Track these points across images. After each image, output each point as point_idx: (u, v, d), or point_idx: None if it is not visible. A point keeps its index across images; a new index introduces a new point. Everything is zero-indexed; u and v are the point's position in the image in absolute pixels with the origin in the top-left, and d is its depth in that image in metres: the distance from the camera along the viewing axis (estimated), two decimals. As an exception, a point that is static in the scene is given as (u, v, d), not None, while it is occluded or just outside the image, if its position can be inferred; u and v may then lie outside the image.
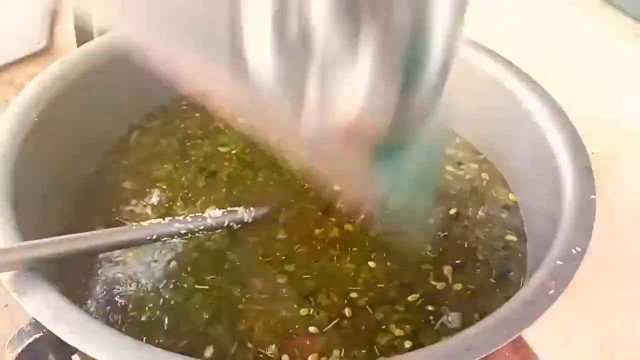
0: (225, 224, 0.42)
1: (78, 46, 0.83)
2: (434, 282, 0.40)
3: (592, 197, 0.37)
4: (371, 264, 0.41)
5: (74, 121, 0.47)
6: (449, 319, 0.38)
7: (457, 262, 0.42)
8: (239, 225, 0.43)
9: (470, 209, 0.46)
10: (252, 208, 0.43)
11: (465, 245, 0.43)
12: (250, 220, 0.43)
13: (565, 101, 0.44)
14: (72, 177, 0.47)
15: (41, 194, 0.42)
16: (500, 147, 0.50)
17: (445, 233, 0.44)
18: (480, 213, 0.46)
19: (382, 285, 0.39)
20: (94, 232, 0.36)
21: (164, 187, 0.47)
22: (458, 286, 0.40)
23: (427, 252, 0.42)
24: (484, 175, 0.50)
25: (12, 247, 0.32)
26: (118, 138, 0.52)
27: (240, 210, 0.43)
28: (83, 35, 0.83)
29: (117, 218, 0.44)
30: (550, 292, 0.31)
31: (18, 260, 0.31)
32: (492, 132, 0.50)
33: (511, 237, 0.44)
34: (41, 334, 0.30)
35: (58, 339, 0.29)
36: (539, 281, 0.32)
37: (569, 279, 0.32)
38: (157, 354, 0.29)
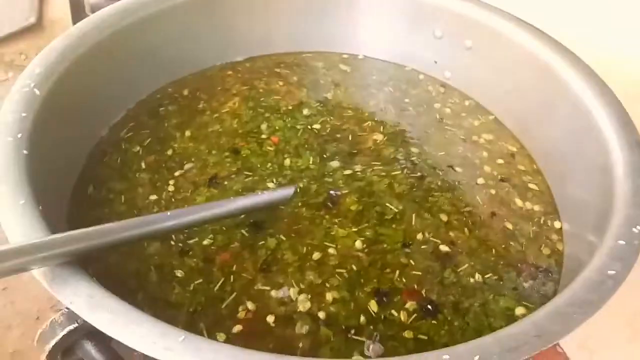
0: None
1: (74, 21, 0.79)
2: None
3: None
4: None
5: (83, 94, 0.44)
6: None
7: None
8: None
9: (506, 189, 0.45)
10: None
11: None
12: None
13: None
14: (81, 149, 0.45)
15: (53, 169, 0.39)
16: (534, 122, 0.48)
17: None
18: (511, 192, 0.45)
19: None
20: (129, 220, 0.34)
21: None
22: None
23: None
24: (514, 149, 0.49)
25: (46, 240, 0.29)
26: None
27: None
28: (76, 9, 0.79)
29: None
30: (615, 273, 0.30)
31: (54, 255, 0.28)
32: (528, 108, 0.48)
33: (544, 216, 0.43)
34: (75, 324, 0.27)
35: (94, 327, 0.27)
36: (601, 263, 0.31)
37: (634, 258, 0.30)
38: (202, 343, 0.27)
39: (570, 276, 0.33)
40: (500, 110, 0.52)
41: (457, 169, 0.46)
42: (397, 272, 0.38)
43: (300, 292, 0.37)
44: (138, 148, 0.47)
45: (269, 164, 0.45)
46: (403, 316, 0.36)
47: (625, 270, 0.30)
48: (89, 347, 0.28)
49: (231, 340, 0.34)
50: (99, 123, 0.48)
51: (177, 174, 0.45)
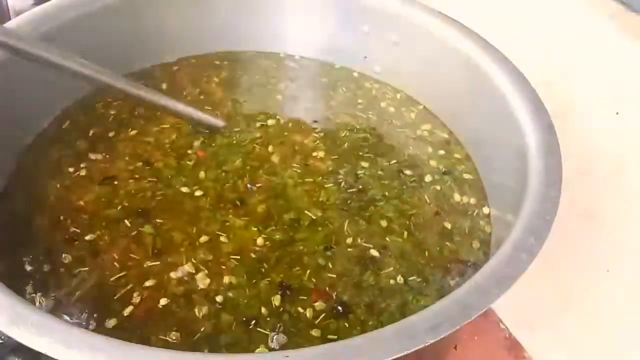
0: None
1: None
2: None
3: (557, 152, 0.38)
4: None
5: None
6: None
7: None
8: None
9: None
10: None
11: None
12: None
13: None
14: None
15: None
16: (460, 110, 0.50)
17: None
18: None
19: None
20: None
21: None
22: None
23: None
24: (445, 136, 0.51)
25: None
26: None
27: None
28: (1, 15, 0.76)
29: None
30: (529, 246, 0.32)
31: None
32: (451, 96, 0.50)
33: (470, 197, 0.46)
34: (0, 341, 0.27)
35: (20, 343, 0.26)
36: (517, 238, 0.32)
37: (547, 232, 0.32)
38: (130, 348, 0.27)
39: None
40: (429, 101, 0.54)
41: (407, 171, 0.47)
42: (309, 271, 0.38)
43: (196, 269, 0.37)
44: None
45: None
46: (309, 313, 0.36)
47: (538, 243, 0.32)
48: (16, 364, 0.28)
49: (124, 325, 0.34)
50: (25, 129, 0.47)
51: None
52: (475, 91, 0.48)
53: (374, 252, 0.40)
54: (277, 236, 0.40)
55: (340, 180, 0.46)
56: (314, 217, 0.42)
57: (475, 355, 0.61)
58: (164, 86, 0.54)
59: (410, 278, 0.39)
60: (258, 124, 0.50)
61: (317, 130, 0.50)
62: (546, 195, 0.35)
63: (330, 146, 0.49)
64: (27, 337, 0.26)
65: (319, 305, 0.36)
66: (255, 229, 0.41)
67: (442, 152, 0.50)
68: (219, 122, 0.49)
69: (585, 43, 0.47)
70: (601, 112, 0.47)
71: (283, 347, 0.34)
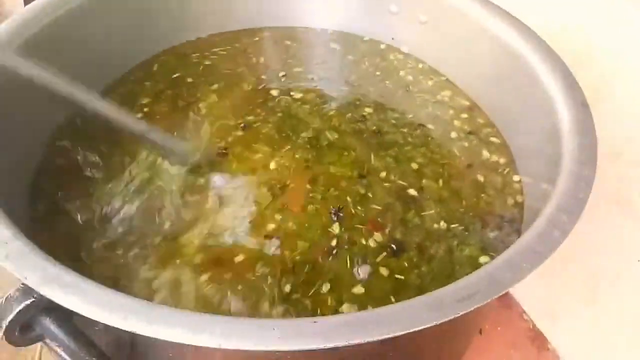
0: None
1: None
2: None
3: (592, 131, 0.37)
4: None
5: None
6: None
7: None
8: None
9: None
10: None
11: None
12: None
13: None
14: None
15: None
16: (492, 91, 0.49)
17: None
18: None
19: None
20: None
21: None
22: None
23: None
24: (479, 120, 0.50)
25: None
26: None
27: None
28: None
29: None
30: (562, 223, 0.31)
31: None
32: (482, 75, 0.49)
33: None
34: (32, 299, 0.27)
35: (52, 302, 0.26)
36: (550, 215, 0.32)
37: (579, 211, 0.32)
38: (162, 310, 0.27)
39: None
40: (452, 73, 0.53)
41: (429, 125, 0.47)
42: (352, 198, 0.38)
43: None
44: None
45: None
46: (373, 244, 0.36)
47: (571, 221, 0.31)
48: (48, 323, 0.28)
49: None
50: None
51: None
52: (506, 69, 0.47)
53: (413, 192, 0.40)
54: (298, 155, 0.40)
55: (348, 115, 0.46)
56: (331, 139, 0.41)
57: (499, 346, 0.60)
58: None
59: (453, 225, 0.39)
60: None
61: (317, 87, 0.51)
62: (580, 173, 0.34)
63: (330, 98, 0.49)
64: (60, 296, 0.26)
65: (377, 237, 0.36)
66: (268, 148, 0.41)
67: (465, 115, 0.49)
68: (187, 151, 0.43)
69: (623, 24, 0.46)
70: (635, 95, 0.46)
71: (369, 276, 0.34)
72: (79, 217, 0.38)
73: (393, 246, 0.36)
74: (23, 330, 0.28)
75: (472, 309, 0.27)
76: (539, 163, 0.40)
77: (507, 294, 0.60)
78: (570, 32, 0.49)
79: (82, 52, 0.47)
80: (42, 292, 0.26)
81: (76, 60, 0.44)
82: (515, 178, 0.44)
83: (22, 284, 0.27)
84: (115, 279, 0.35)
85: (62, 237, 0.38)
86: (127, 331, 0.25)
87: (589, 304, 0.55)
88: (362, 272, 0.34)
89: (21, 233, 0.30)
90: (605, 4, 0.46)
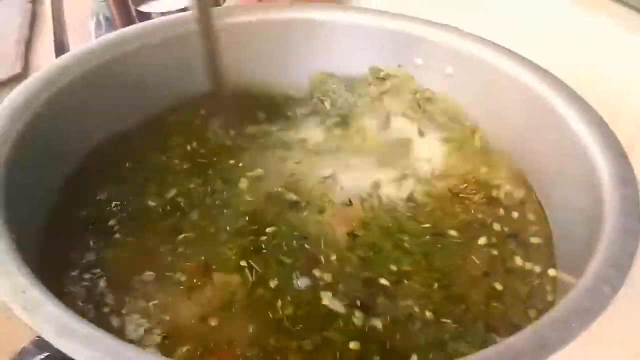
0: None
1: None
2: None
3: (634, 181, 0.35)
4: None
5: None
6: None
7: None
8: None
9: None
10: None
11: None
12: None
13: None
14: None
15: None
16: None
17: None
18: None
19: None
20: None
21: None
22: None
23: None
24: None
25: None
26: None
27: None
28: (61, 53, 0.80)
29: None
30: (611, 278, 0.29)
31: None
32: (510, 125, 0.48)
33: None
34: (47, 353, 0.25)
35: (66, 357, 0.25)
36: (597, 270, 0.30)
37: (629, 264, 0.30)
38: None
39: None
40: (487, 131, 0.52)
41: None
42: None
43: None
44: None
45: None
46: None
47: (621, 276, 0.29)
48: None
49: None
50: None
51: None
52: (537, 121, 0.46)
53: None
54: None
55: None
56: None
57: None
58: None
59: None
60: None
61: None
62: (625, 226, 0.32)
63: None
64: (75, 350, 0.25)
65: None
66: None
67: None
68: None
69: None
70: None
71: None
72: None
73: None
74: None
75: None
76: (577, 229, 0.37)
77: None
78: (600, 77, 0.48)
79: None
80: (58, 347, 0.25)
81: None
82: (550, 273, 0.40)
83: (37, 336, 0.26)
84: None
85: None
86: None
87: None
88: None
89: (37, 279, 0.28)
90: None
